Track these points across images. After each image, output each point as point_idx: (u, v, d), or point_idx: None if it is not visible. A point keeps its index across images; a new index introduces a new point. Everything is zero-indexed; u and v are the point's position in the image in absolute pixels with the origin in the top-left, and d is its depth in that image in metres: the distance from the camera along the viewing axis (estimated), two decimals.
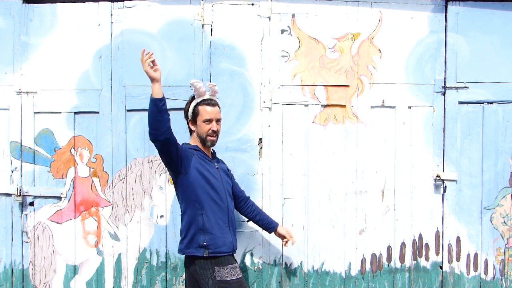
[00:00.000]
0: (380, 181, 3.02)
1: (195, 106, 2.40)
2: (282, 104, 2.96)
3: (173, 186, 2.94)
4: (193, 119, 2.41)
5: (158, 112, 2.14)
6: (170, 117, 2.19)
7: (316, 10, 2.97)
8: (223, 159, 2.68)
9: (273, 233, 2.74)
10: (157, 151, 2.92)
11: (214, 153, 2.56)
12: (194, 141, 2.45)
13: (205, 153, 2.42)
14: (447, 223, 3.03)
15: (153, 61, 2.20)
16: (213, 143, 2.42)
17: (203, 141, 2.40)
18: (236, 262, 2.40)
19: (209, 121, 2.38)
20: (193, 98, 2.45)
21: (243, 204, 2.64)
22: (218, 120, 2.42)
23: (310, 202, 2.99)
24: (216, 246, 2.27)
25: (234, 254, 2.44)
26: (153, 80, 2.21)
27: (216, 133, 2.40)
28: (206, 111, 2.38)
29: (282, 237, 2.71)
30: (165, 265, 2.98)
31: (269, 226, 2.68)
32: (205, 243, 2.26)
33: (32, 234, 2.98)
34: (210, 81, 2.93)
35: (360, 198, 3.02)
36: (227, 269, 2.27)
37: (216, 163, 2.46)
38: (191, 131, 2.47)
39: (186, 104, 2.48)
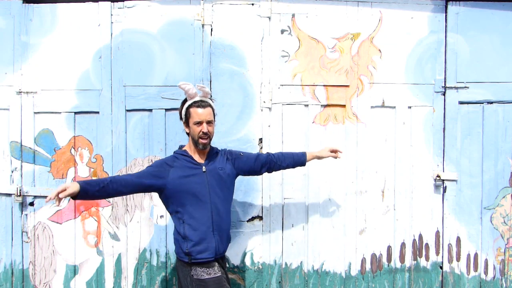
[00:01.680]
0: (380, 181, 3.02)
1: (187, 108, 2.37)
2: (282, 104, 2.96)
3: None
4: (186, 121, 2.40)
5: (98, 197, 2.26)
6: (104, 188, 2.18)
7: (316, 10, 2.97)
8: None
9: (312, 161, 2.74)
10: (157, 150, 2.96)
11: (211, 151, 2.47)
12: (189, 143, 2.43)
13: (193, 157, 2.38)
14: (447, 223, 3.03)
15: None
16: (205, 146, 2.36)
17: (195, 143, 2.37)
18: (217, 262, 2.36)
19: (199, 123, 2.34)
20: (185, 100, 2.42)
21: (270, 167, 2.59)
22: (209, 122, 2.35)
23: (310, 202, 2.99)
24: (197, 253, 2.29)
25: (228, 255, 2.45)
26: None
27: (207, 135, 2.35)
28: (196, 113, 2.34)
29: (325, 157, 2.73)
30: (165, 265, 2.98)
31: (299, 162, 2.65)
32: (187, 250, 2.29)
33: (32, 234, 2.98)
34: (210, 81, 2.93)
35: (360, 198, 3.02)
36: (202, 267, 2.28)
37: (204, 166, 2.38)
38: (187, 133, 2.44)
39: (180, 107, 2.46)
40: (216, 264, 2.33)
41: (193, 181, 2.32)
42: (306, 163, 2.67)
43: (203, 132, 2.33)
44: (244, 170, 2.53)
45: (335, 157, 2.70)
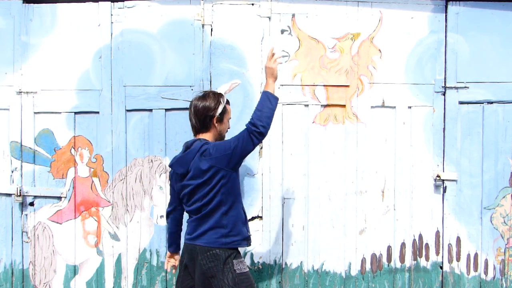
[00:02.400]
0: (380, 181, 3.02)
1: (225, 105, 2.38)
2: (282, 104, 2.96)
3: None
4: (220, 117, 2.36)
5: (275, 110, 2.30)
6: None
7: (316, 10, 2.97)
8: None
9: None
10: (157, 150, 2.96)
11: None
12: (210, 138, 2.36)
13: None
14: (447, 223, 3.03)
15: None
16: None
17: (221, 138, 2.40)
18: None
19: (229, 119, 2.45)
20: (219, 95, 2.36)
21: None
22: None
23: (310, 202, 2.99)
24: (249, 239, 2.37)
25: None
26: (275, 79, 2.37)
27: None
28: (230, 110, 2.45)
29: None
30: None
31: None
32: (249, 234, 2.34)
33: (32, 234, 2.98)
34: (210, 82, 2.93)
35: (360, 198, 3.02)
36: (243, 262, 2.29)
37: None
38: (209, 128, 2.34)
39: (214, 103, 2.32)
40: None
41: None
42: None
43: (228, 128, 2.44)
44: None
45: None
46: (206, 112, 2.31)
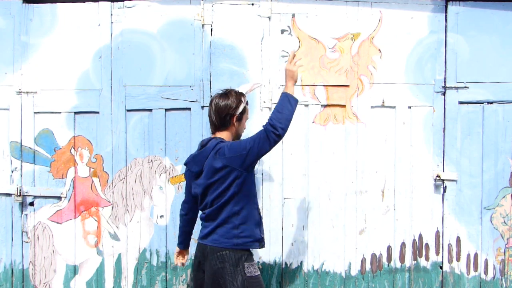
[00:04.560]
0: (380, 181, 3.02)
1: (245, 105, 2.38)
2: None
3: (172, 186, 2.96)
4: (240, 116, 2.36)
5: (294, 112, 2.29)
6: None
7: (316, 10, 2.97)
8: None
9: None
10: (157, 150, 2.96)
11: None
12: (228, 136, 2.35)
13: None
14: (447, 223, 3.03)
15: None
16: None
17: (238, 137, 2.40)
18: None
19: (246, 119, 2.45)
20: (240, 94, 2.37)
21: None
22: None
23: (310, 202, 2.99)
24: (263, 240, 2.33)
25: None
26: (295, 82, 2.36)
27: None
28: (249, 111, 2.46)
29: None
30: (165, 265, 2.98)
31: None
32: (262, 236, 2.31)
33: (32, 234, 2.98)
34: (210, 82, 2.93)
35: (360, 198, 3.02)
36: (254, 265, 2.25)
37: None
38: (227, 126, 2.33)
39: (235, 102, 2.32)
40: None
41: None
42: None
43: (244, 128, 2.44)
44: None
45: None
46: (227, 110, 2.30)
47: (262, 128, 2.23)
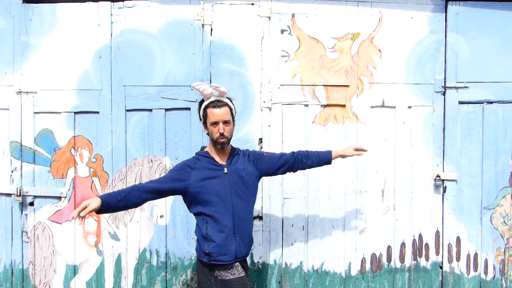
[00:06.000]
0: (380, 181, 3.02)
1: (204, 109, 2.35)
2: (282, 104, 2.96)
3: None
4: (204, 122, 2.37)
5: (122, 208, 2.24)
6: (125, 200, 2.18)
7: (316, 10, 2.97)
8: None
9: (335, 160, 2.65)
10: (157, 150, 2.96)
11: (233, 152, 2.43)
12: (209, 144, 2.40)
13: (214, 158, 2.35)
14: (447, 223, 3.03)
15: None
16: (223, 145, 2.33)
17: (214, 143, 2.34)
18: (238, 263, 2.34)
19: (215, 123, 2.31)
20: (202, 101, 2.39)
21: (292, 165, 2.52)
22: (225, 122, 2.31)
23: (310, 202, 2.99)
24: (217, 254, 2.26)
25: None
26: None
27: (224, 135, 2.31)
28: (212, 114, 2.32)
29: (349, 155, 2.64)
30: (165, 265, 2.98)
31: (324, 159, 2.58)
32: (207, 251, 2.27)
33: (32, 234, 2.98)
34: (210, 81, 2.93)
35: (360, 198, 3.02)
36: (226, 269, 2.26)
37: (226, 167, 2.34)
38: (208, 134, 2.39)
39: (198, 108, 2.42)
40: (239, 264, 2.31)
41: (215, 183, 2.29)
42: (332, 161, 2.59)
43: (219, 132, 2.29)
44: (267, 170, 2.48)
45: (360, 155, 2.63)
46: (199, 119, 2.45)
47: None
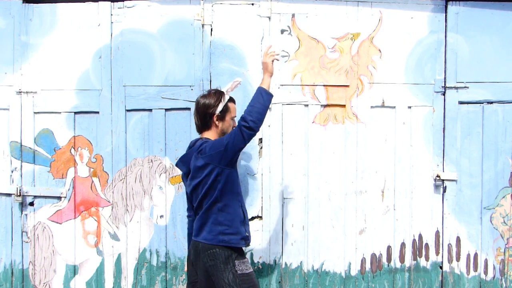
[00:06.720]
0: (380, 181, 3.02)
1: (226, 103, 2.36)
2: (282, 104, 2.96)
3: (172, 186, 2.96)
4: (222, 115, 2.36)
5: (268, 106, 2.30)
6: None
7: (316, 10, 2.97)
8: None
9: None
10: (157, 150, 2.96)
11: None
12: (213, 136, 2.36)
13: None
14: (447, 223, 3.03)
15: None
16: None
17: None
18: None
19: (233, 118, 2.43)
20: (220, 93, 2.36)
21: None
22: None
23: (310, 202, 2.99)
24: (248, 239, 2.34)
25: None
26: (270, 75, 2.36)
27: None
28: (234, 109, 2.43)
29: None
30: (165, 265, 2.98)
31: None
32: (247, 234, 2.31)
33: (32, 234, 2.98)
34: (210, 81, 2.93)
35: (360, 198, 3.02)
36: (245, 262, 2.28)
37: None
38: (210, 126, 2.36)
39: (214, 100, 2.34)
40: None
41: None
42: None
43: (234, 126, 2.39)
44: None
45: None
46: (206, 109, 2.34)
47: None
